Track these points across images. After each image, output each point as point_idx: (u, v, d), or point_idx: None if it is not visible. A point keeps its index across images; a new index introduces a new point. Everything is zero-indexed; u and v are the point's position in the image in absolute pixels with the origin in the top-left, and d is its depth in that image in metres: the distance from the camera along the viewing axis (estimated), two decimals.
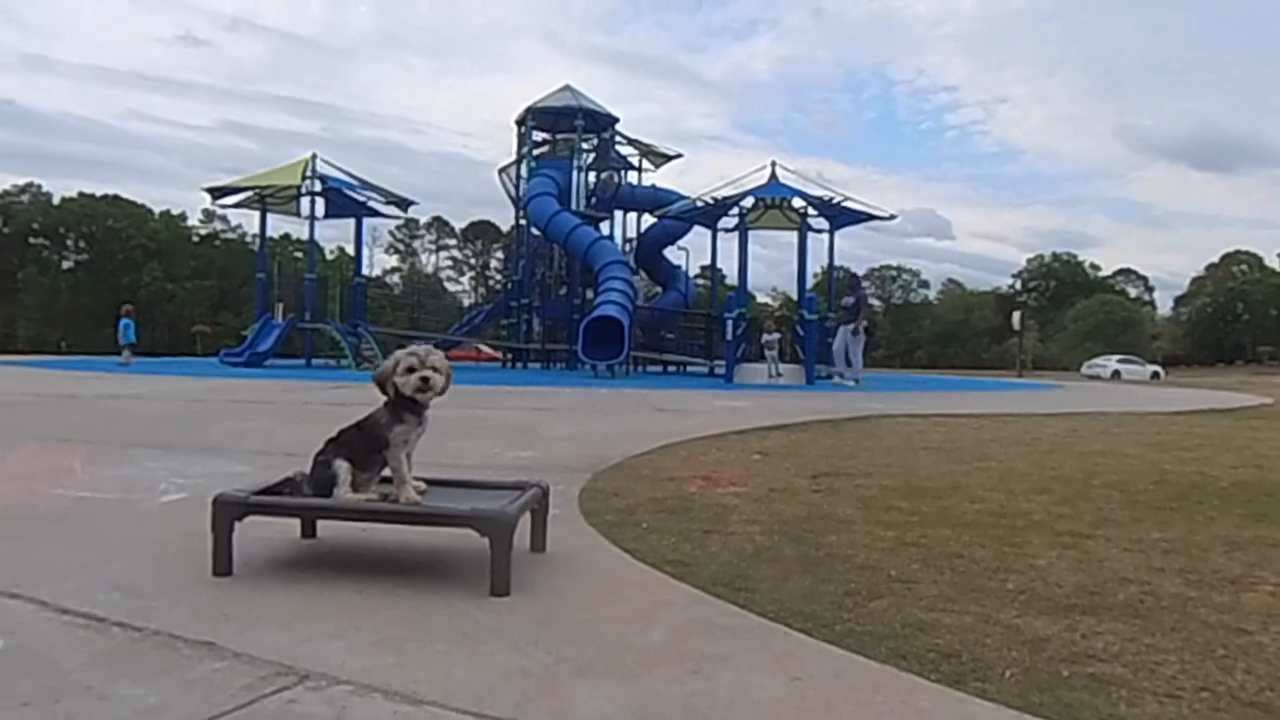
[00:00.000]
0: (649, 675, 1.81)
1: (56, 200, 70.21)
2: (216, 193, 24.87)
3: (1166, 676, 1.88)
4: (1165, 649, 2.04)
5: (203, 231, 73.82)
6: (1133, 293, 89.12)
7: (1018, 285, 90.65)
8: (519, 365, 26.51)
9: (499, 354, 29.50)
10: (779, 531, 3.19)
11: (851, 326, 17.54)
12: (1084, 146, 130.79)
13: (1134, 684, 1.83)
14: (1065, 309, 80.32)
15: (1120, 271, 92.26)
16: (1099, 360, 54.37)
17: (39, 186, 72.04)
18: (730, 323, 19.14)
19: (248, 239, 63.01)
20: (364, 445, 2.60)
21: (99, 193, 70.12)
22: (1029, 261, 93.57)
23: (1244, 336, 79.78)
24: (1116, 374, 48.78)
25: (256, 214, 25.17)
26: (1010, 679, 1.85)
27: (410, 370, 2.57)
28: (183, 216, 72.75)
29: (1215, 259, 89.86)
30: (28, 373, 15.74)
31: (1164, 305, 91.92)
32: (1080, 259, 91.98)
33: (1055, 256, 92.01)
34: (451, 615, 2.15)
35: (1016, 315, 57.69)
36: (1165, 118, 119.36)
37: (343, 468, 2.54)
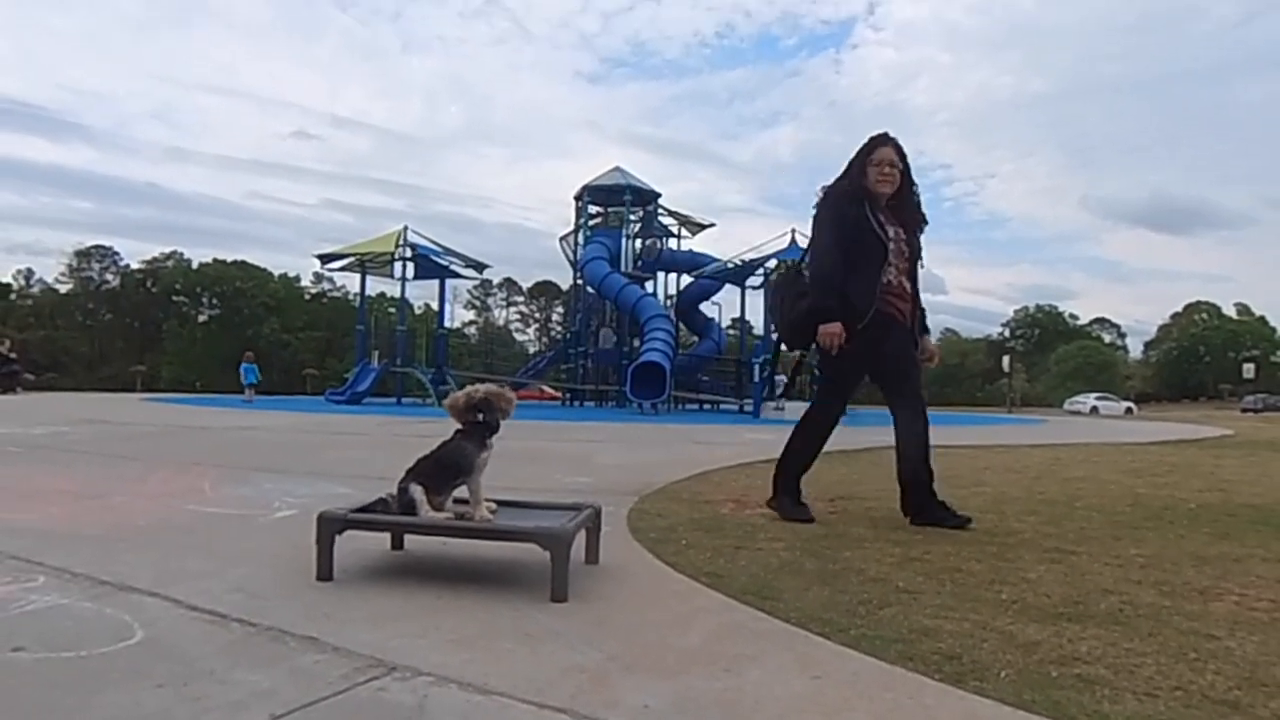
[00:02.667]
0: (687, 673, 1.78)
1: (195, 265, 72.36)
2: (325, 259, 25.44)
3: (1144, 677, 1.82)
4: (1143, 652, 1.98)
5: (313, 290, 75.29)
6: (1107, 338, 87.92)
7: (1006, 333, 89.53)
8: (576, 404, 26.60)
9: (559, 394, 29.57)
10: (800, 548, 3.15)
11: None
12: (1061, 214, 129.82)
13: (1115, 684, 1.78)
14: (1048, 353, 79.37)
15: (1096, 320, 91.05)
16: (1079, 398, 53.51)
17: (181, 254, 74.48)
18: (757, 367, 19.12)
19: (350, 296, 64.04)
20: (439, 471, 2.62)
21: (229, 258, 72.16)
22: (1016, 312, 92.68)
23: (1206, 376, 78.34)
24: (1095, 410, 47.90)
25: (357, 275, 25.65)
26: (1005, 679, 1.80)
27: (486, 407, 2.63)
28: (297, 278, 74.40)
29: (1179, 308, 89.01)
30: (169, 408, 16.09)
31: (1135, 349, 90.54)
32: (1060, 310, 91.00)
33: (1039, 308, 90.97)
34: (517, 618, 2.14)
35: (1006, 359, 57.04)
36: (1127, 188, 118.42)
37: (418, 491, 2.56)
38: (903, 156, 3.81)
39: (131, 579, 2.43)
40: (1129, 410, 48.75)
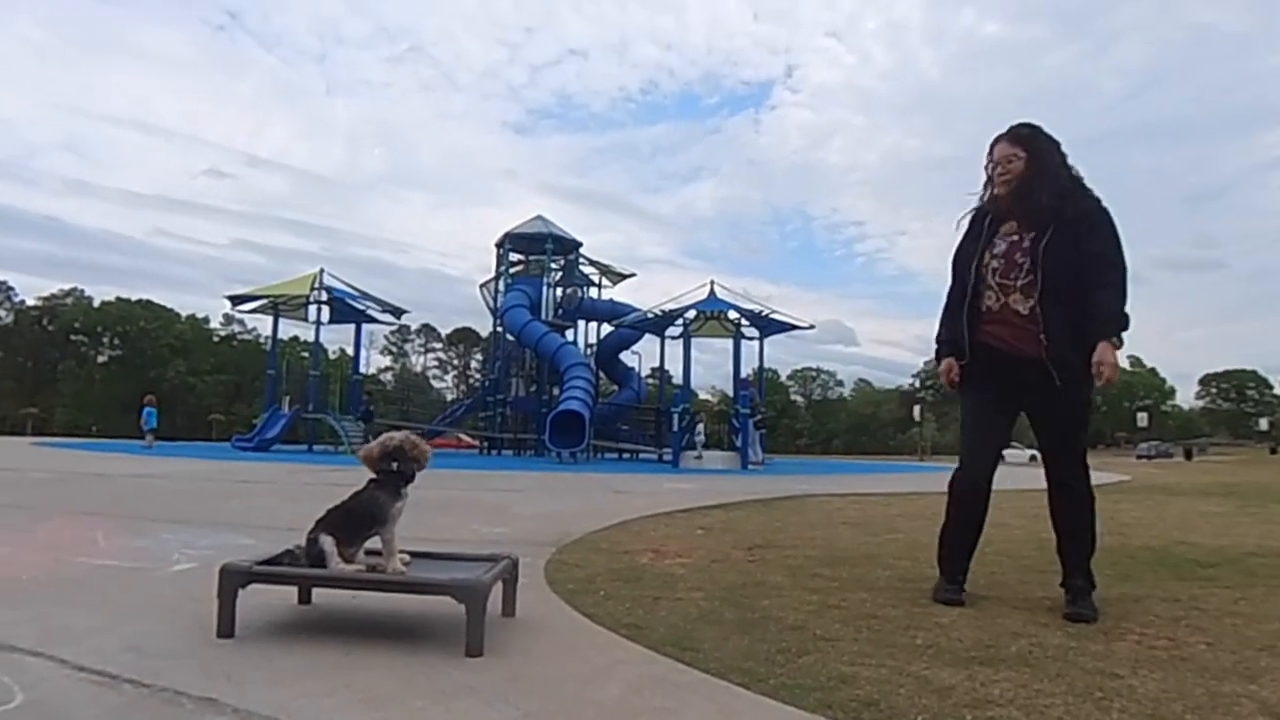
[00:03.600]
0: None
1: (96, 303, 69.46)
2: (236, 300, 24.74)
3: (1054, 717, 1.87)
4: (1052, 693, 2.03)
5: (222, 333, 72.99)
6: None
7: (917, 383, 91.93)
8: (494, 452, 26.28)
9: (476, 442, 29.17)
10: (720, 597, 3.14)
11: (755, 419, 17.99)
12: None
13: None
14: (957, 403, 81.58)
15: None
16: None
17: (81, 291, 71.47)
18: (676, 416, 19.23)
19: (261, 340, 62.38)
20: (350, 522, 2.54)
21: (133, 297, 69.58)
22: (925, 364, 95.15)
23: (1103, 425, 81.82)
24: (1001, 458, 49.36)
25: (270, 318, 25.00)
26: None
27: (405, 455, 2.56)
28: (206, 319, 72.18)
29: None
30: (62, 453, 15.27)
31: None
32: None
33: None
34: (430, 674, 2.08)
35: (917, 409, 58.66)
36: None
37: (328, 542, 2.47)
38: (1027, 145, 3.12)
39: (12, 638, 2.27)
40: (1032, 458, 50.42)
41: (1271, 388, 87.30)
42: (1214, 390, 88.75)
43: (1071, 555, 3.09)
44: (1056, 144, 3.14)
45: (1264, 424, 73.49)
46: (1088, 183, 3.14)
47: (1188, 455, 48.39)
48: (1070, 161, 3.14)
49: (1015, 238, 3.12)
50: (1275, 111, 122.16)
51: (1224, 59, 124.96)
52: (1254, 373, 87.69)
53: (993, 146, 3.20)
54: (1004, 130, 3.19)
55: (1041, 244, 3.03)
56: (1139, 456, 52.81)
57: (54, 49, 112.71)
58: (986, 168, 3.23)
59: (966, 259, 3.26)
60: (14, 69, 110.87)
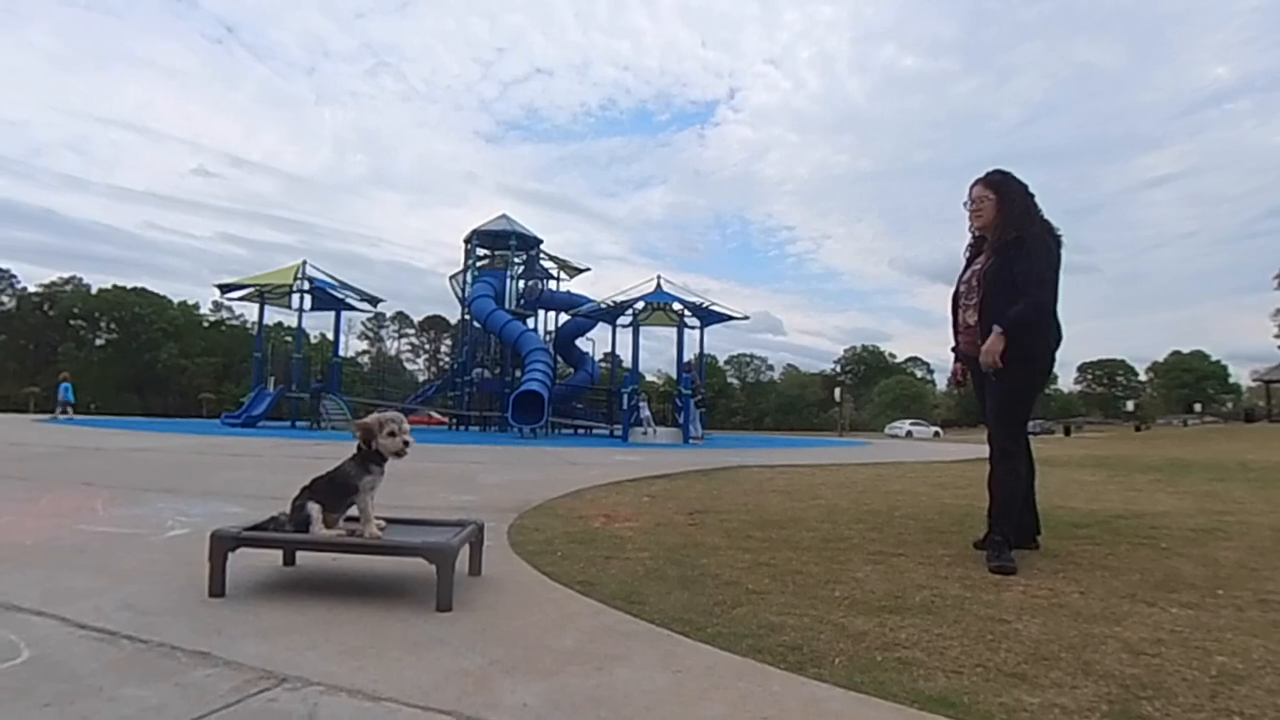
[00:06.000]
0: (562, 672, 1.76)
1: (94, 290, 66.97)
2: (225, 288, 24.00)
3: (951, 657, 1.92)
4: (950, 636, 2.09)
5: (212, 318, 70.75)
6: (919, 374, 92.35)
7: (838, 369, 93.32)
8: (462, 428, 25.98)
9: (446, 419, 28.83)
10: (663, 557, 3.16)
11: (696, 399, 18.26)
12: (881, 271, 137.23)
13: (928, 664, 1.87)
14: (872, 386, 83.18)
15: (910, 359, 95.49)
16: (897, 423, 56.32)
17: (80, 279, 68.78)
18: (625, 396, 19.24)
19: (248, 325, 60.60)
20: (333, 491, 2.50)
21: (129, 285, 67.20)
22: (845, 351, 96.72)
23: None
24: (910, 433, 50.48)
25: (256, 305, 24.35)
26: (839, 665, 1.86)
27: (392, 435, 2.51)
28: (196, 306, 69.89)
29: None
30: (62, 429, 14.71)
31: (941, 383, 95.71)
32: (882, 349, 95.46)
33: (864, 347, 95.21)
34: (404, 628, 2.06)
35: (837, 390, 59.57)
36: (929, 251, 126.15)
37: (314, 509, 2.45)
38: (996, 188, 3.30)
39: (17, 598, 2.21)
40: (937, 434, 51.61)
41: (1137, 375, 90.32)
42: (1089, 376, 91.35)
43: (989, 515, 3.26)
44: (1023, 186, 3.34)
45: (1130, 405, 76.01)
46: (1047, 215, 3.29)
47: (1066, 432, 49.83)
48: (1036, 200, 3.31)
49: (978, 265, 3.36)
50: (1145, 139, 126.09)
51: (1103, 93, 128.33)
52: (1123, 361, 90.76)
53: (971, 189, 3.38)
54: (980, 175, 3.38)
55: (986, 267, 3.28)
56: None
57: (64, 56, 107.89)
58: (965, 205, 3.41)
59: (956, 284, 3.50)
60: (27, 74, 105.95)
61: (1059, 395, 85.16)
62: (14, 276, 68.02)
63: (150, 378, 61.41)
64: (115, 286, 66.63)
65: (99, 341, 65.07)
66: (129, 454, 8.47)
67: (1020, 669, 1.85)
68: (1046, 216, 3.30)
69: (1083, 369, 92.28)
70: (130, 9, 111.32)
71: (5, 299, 67.36)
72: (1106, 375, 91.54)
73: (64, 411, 22.46)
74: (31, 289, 67.69)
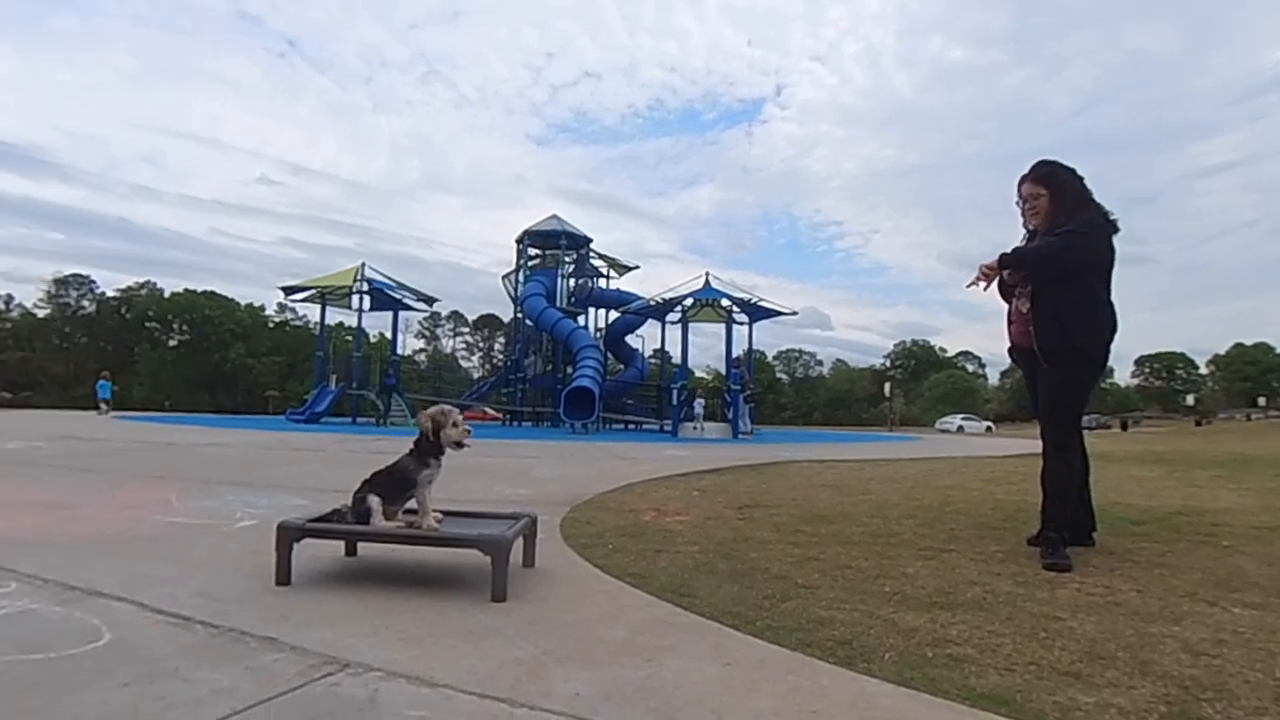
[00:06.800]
0: (614, 663, 1.77)
1: (167, 294, 69.56)
2: (289, 290, 24.64)
3: (1004, 654, 1.88)
4: (1002, 634, 2.04)
5: (276, 319, 72.78)
6: (970, 368, 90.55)
7: (887, 363, 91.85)
8: (515, 423, 26.28)
9: (500, 415, 29.18)
10: (713, 550, 3.16)
11: (745, 394, 18.12)
12: (930, 265, 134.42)
13: (980, 661, 1.83)
14: (922, 380, 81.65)
15: (961, 353, 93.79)
16: (948, 418, 55.11)
17: (154, 283, 71.60)
18: (675, 392, 19.23)
19: (310, 325, 62.24)
20: (393, 485, 2.55)
21: (200, 289, 69.58)
22: (895, 346, 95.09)
23: None
24: (961, 428, 49.40)
25: (318, 306, 24.95)
26: (889, 660, 1.83)
27: (455, 425, 2.56)
28: (262, 307, 71.95)
29: None
30: (138, 425, 15.31)
31: (993, 377, 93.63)
32: (932, 344, 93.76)
33: (914, 342, 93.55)
34: (460, 617, 2.10)
35: (887, 385, 58.65)
36: (977, 243, 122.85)
37: (375, 502, 2.50)
38: (1047, 182, 3.21)
39: (99, 585, 2.30)
40: (989, 429, 50.47)
41: (1197, 368, 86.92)
42: (1147, 370, 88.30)
43: (1042, 511, 3.17)
44: (1072, 172, 3.22)
45: (1190, 400, 73.22)
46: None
47: (1123, 427, 48.29)
48: (1086, 184, 3.20)
49: None
50: (1201, 126, 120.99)
51: (1157, 80, 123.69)
52: (1182, 355, 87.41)
53: (1020, 185, 3.28)
54: (1027, 171, 3.27)
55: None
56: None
57: (140, 74, 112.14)
58: (1017, 204, 3.32)
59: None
60: (107, 92, 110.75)
61: (1115, 389, 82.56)
62: (94, 282, 71.05)
63: (220, 376, 63.33)
64: (186, 290, 69.08)
65: (172, 342, 67.42)
66: (200, 449, 8.77)
67: (1075, 667, 1.80)
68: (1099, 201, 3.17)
69: (1140, 362, 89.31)
70: (200, 28, 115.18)
71: (86, 303, 70.30)
72: (1165, 369, 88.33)
73: (102, 408, 23.18)
74: (110, 293, 70.56)
